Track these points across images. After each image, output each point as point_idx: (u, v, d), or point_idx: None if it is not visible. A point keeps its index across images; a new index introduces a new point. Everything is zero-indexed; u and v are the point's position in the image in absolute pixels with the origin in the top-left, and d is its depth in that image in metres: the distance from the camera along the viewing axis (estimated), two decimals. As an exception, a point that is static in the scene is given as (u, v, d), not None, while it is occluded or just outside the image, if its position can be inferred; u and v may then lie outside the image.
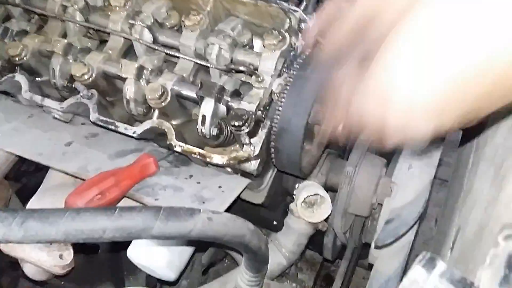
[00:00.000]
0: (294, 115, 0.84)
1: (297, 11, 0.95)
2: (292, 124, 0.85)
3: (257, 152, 0.88)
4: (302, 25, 0.95)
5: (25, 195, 1.61)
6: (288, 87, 0.86)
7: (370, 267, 1.00)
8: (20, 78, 1.03)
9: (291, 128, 0.85)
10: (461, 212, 0.87)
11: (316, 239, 1.15)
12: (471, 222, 0.73)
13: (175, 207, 0.69)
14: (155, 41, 1.00)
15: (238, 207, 0.97)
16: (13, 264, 1.54)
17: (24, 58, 1.02)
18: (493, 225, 0.57)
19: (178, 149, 0.91)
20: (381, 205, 1.00)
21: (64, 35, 1.07)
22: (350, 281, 1.31)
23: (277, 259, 1.07)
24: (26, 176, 1.69)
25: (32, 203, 1.02)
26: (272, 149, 0.89)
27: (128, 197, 0.90)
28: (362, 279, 1.92)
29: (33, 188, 1.76)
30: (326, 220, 1.05)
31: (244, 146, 0.88)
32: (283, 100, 0.86)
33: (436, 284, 0.41)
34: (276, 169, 1.03)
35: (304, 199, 1.01)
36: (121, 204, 0.89)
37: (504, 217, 0.51)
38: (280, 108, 0.85)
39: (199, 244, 1.09)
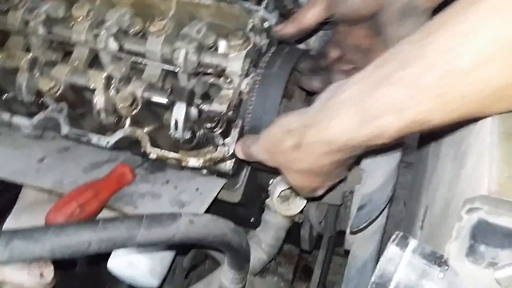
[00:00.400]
0: (265, 113, 0.87)
1: (259, 10, 0.97)
2: (263, 121, 0.88)
3: (231, 151, 0.90)
4: (265, 24, 0.98)
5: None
6: (256, 86, 0.89)
7: (346, 253, 1.04)
8: (-15, 96, 1.01)
9: (262, 125, 0.87)
10: (427, 192, 0.92)
11: (292, 232, 1.19)
12: (438, 200, 0.77)
13: (157, 214, 0.70)
14: (120, 49, 1.00)
15: (215, 207, 1.00)
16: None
17: (-12, 76, 1.01)
18: (457, 201, 0.61)
19: (153, 155, 0.92)
20: (353, 192, 1.05)
21: (28, 49, 1.06)
22: (328, 268, 1.36)
23: (257, 255, 1.10)
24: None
25: (9, 223, 1.01)
26: None
27: (108, 208, 0.90)
28: (339, 266, 1.98)
29: (2, 208, 1.73)
30: (301, 212, 1.09)
31: (218, 147, 0.90)
32: (252, 99, 0.89)
33: (410, 260, 0.45)
34: (249, 167, 1.06)
35: (280, 193, 1.04)
36: (101, 215, 0.90)
37: (466, 192, 0.55)
38: (251, 107, 0.88)
39: (180, 248, 1.11)
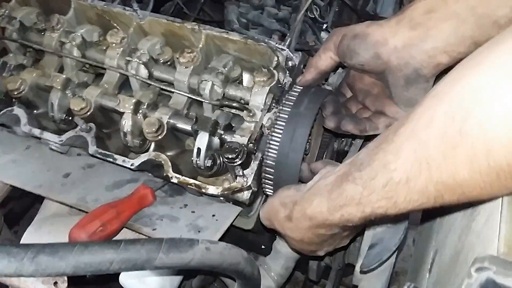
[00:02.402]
0: (291, 151, 0.92)
1: (285, 50, 1.02)
2: (289, 158, 0.92)
3: (249, 182, 0.93)
4: (290, 63, 1.02)
5: (11, 220, 1.62)
6: (283, 123, 0.93)
7: (354, 287, 1.06)
8: (19, 111, 1.06)
9: (288, 163, 0.93)
10: (438, 235, 0.95)
11: (300, 260, 1.21)
12: (448, 247, 0.80)
13: (176, 239, 0.73)
14: (150, 76, 1.05)
15: (227, 232, 1.02)
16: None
17: (22, 92, 1.06)
18: (467, 252, 0.64)
19: (174, 180, 0.96)
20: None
21: (61, 69, 1.11)
22: (335, 300, 1.37)
23: (266, 283, 1.12)
24: (12, 202, 1.70)
25: (30, 233, 1.04)
26: (269, 181, 0.96)
27: (127, 228, 0.94)
28: (344, 297, 1.98)
29: (19, 213, 1.77)
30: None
31: (237, 177, 0.94)
32: (278, 135, 0.93)
33: (420, 312, 0.48)
34: (264, 196, 1.09)
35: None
36: (121, 234, 0.93)
37: (476, 247, 0.58)
38: (276, 144, 0.92)
39: (188, 272, 1.14)
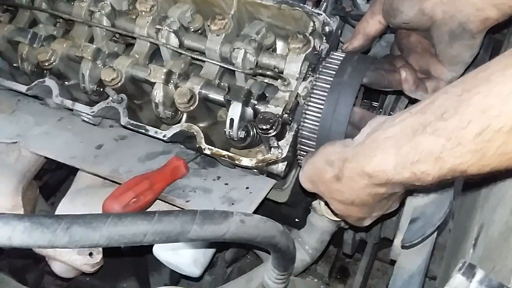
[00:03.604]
0: (334, 122, 0.87)
1: (321, 14, 0.97)
2: (332, 130, 0.87)
3: (284, 154, 0.90)
4: (326, 29, 0.97)
5: (47, 192, 1.66)
6: (323, 92, 0.88)
7: (392, 263, 1.02)
8: (50, 82, 1.06)
9: (330, 135, 0.87)
10: (483, 209, 0.90)
11: (334, 233, 1.18)
12: (496, 221, 0.75)
13: (210, 211, 0.72)
14: (181, 45, 1.02)
15: (261, 204, 1.00)
16: (38, 260, 1.59)
17: (53, 63, 1.05)
18: (521, 229, 0.59)
19: (207, 152, 0.94)
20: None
21: (91, 39, 1.10)
22: (369, 274, 1.35)
23: (300, 256, 1.10)
24: (47, 174, 1.73)
25: (64, 204, 1.05)
26: (306, 153, 0.92)
27: (160, 199, 0.93)
28: (377, 271, 1.96)
29: (55, 185, 1.80)
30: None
31: (272, 148, 0.91)
32: (315, 105, 0.88)
33: (476, 291, 0.44)
34: (299, 168, 1.06)
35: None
36: (154, 206, 0.92)
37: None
38: (315, 114, 0.88)
39: (221, 245, 1.13)
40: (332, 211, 0.83)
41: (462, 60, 0.86)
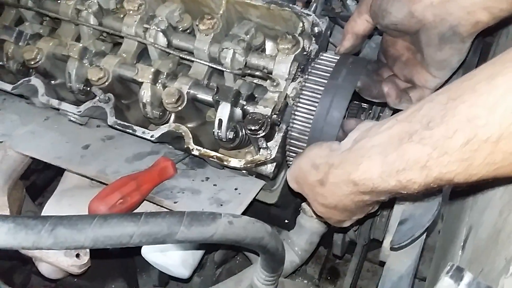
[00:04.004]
0: (326, 125, 0.86)
1: (310, 15, 0.96)
2: (324, 132, 0.87)
3: (273, 155, 0.90)
4: (315, 29, 0.96)
5: (34, 192, 1.64)
6: (315, 94, 0.88)
7: (381, 264, 1.02)
8: (36, 81, 1.04)
9: (322, 137, 0.86)
10: (471, 211, 0.90)
11: (324, 234, 1.18)
12: (485, 223, 0.75)
13: (198, 212, 0.71)
14: (169, 44, 1.01)
15: (250, 206, 1.00)
16: (25, 260, 1.56)
17: (39, 62, 1.04)
18: (510, 230, 0.59)
19: (195, 152, 0.93)
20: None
21: (78, 38, 1.08)
22: (359, 275, 1.35)
23: (290, 257, 1.10)
24: (35, 174, 1.71)
25: (50, 205, 1.04)
26: (295, 154, 0.91)
27: (148, 200, 0.92)
28: (367, 272, 1.96)
29: (42, 185, 1.78)
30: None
31: (261, 149, 0.90)
32: (304, 106, 0.88)
33: (464, 294, 0.44)
34: (288, 169, 1.05)
35: (317, 198, 1.03)
36: (141, 207, 0.91)
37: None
38: (304, 115, 0.87)
39: (210, 246, 1.12)
40: (313, 211, 0.83)
41: (449, 65, 0.86)
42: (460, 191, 0.99)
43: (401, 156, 0.61)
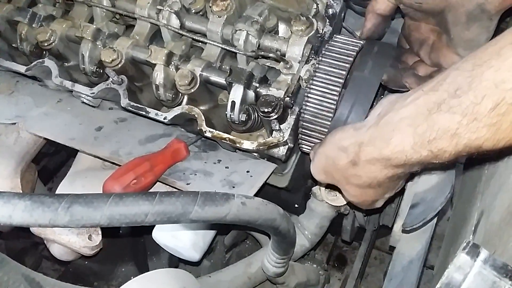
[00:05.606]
0: (353, 114, 0.85)
1: (324, -4, 0.95)
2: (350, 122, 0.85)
3: (286, 138, 0.90)
4: (330, 11, 0.95)
5: (45, 177, 1.65)
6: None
7: (391, 249, 1.03)
8: (50, 63, 1.04)
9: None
10: (483, 196, 0.89)
11: (332, 221, 1.18)
12: (497, 207, 0.75)
13: (211, 192, 0.71)
14: (182, 26, 1.01)
15: (261, 189, 1.00)
16: (36, 244, 1.58)
17: (53, 44, 1.04)
18: (524, 213, 0.59)
19: (208, 134, 0.93)
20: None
21: (91, 20, 1.08)
22: (368, 261, 1.35)
23: (300, 241, 1.10)
24: (46, 158, 1.73)
25: (64, 186, 1.05)
26: (307, 137, 0.91)
27: (161, 182, 0.92)
28: (374, 259, 1.97)
29: (53, 169, 1.79)
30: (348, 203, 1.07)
31: (273, 132, 0.90)
32: (321, 89, 0.87)
33: (480, 270, 0.44)
34: (299, 153, 1.05)
35: (328, 182, 1.03)
36: (155, 188, 0.92)
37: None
38: (321, 98, 0.86)
39: (220, 227, 1.12)
40: (345, 198, 0.83)
41: (477, 44, 0.84)
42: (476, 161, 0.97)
43: (431, 126, 0.62)
